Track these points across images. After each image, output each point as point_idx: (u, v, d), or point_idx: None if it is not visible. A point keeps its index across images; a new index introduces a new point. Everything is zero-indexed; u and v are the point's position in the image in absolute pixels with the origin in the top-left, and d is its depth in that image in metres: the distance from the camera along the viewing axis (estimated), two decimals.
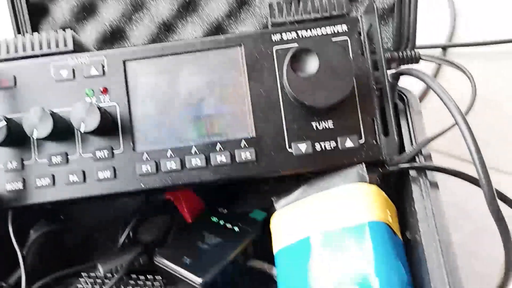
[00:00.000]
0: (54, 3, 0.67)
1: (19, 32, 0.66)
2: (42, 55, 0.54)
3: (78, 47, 0.55)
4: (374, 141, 0.51)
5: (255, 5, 0.64)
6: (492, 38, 0.92)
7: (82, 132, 0.50)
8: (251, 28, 0.65)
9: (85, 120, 0.49)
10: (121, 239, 0.63)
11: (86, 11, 0.67)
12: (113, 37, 0.68)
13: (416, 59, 0.58)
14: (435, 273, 0.43)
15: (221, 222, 0.60)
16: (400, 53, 0.57)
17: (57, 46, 0.54)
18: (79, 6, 0.66)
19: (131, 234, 0.64)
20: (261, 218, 0.60)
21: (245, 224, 0.59)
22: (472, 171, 0.46)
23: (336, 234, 0.48)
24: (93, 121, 0.49)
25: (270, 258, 0.57)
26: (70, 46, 0.54)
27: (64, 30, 0.55)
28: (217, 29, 0.65)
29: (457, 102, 0.47)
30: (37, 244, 0.61)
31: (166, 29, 0.66)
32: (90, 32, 0.67)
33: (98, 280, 0.55)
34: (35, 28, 0.67)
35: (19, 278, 0.59)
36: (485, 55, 0.92)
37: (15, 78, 0.54)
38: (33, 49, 0.54)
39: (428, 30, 0.89)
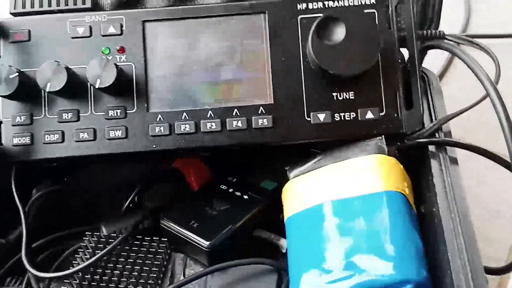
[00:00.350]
0: None
1: None
2: (59, 11, 0.53)
3: (95, 6, 0.54)
4: (395, 114, 0.50)
5: None
6: (506, 31, 0.92)
7: (97, 87, 0.48)
8: None
9: (101, 76, 0.48)
10: (126, 203, 0.61)
11: None
12: (129, 2, 0.66)
13: (440, 38, 0.57)
14: (453, 242, 0.42)
15: (230, 190, 0.59)
16: (424, 31, 0.56)
17: (74, 3, 0.53)
18: None
19: (136, 200, 0.63)
20: (271, 188, 0.59)
21: (254, 192, 0.58)
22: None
23: (351, 202, 0.47)
24: (109, 77, 0.48)
25: (277, 229, 0.57)
26: (88, 4, 0.53)
27: None
28: None
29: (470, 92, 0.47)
30: (39, 203, 0.60)
31: None
32: None
33: (102, 239, 0.53)
34: None
35: (19, 236, 0.58)
36: (499, 47, 0.92)
37: (29, 32, 0.52)
38: (49, 4, 0.53)
39: (443, 20, 0.88)
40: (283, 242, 0.56)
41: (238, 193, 0.58)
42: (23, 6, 0.53)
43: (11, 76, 0.48)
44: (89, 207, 0.65)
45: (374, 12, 0.51)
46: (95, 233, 0.55)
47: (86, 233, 0.54)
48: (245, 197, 0.57)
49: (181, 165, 0.64)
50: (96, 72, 0.48)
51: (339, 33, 0.48)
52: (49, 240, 0.58)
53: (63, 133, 0.51)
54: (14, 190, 0.54)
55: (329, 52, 0.48)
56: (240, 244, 0.54)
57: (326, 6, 0.52)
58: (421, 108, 0.46)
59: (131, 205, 0.62)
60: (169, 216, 0.55)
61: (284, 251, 0.56)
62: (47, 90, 0.48)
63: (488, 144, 0.48)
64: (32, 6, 0.53)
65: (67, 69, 0.49)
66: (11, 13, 0.54)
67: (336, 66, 0.48)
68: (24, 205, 0.55)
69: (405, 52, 0.53)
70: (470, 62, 0.44)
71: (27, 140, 0.51)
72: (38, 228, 0.58)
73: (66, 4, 0.53)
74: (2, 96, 0.49)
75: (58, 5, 0.53)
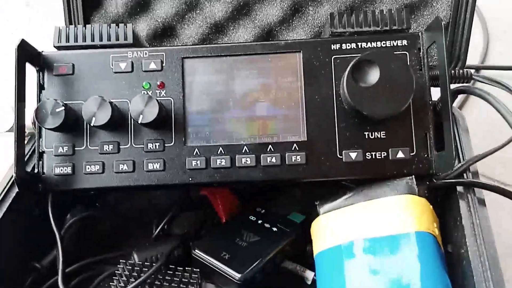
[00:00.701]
0: None
1: (70, 22, 0.67)
2: (102, 46, 0.55)
3: (137, 42, 0.56)
4: (425, 155, 0.52)
5: (309, 14, 0.65)
6: None
7: (139, 123, 0.50)
8: (302, 36, 0.65)
9: (143, 112, 0.50)
10: (156, 231, 0.63)
11: (140, 7, 0.68)
12: (164, 34, 0.68)
13: (468, 78, 0.58)
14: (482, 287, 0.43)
15: (259, 221, 0.60)
16: (453, 71, 0.58)
17: (117, 39, 0.55)
18: (134, 1, 0.67)
19: (165, 226, 0.64)
20: (300, 221, 0.60)
21: (283, 225, 0.60)
22: None
23: (381, 241, 0.48)
24: (151, 114, 0.50)
25: (303, 260, 0.58)
26: (130, 40, 0.55)
27: (124, 24, 0.56)
28: (267, 34, 0.66)
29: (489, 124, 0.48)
30: (73, 229, 0.62)
31: (217, 30, 0.67)
32: (141, 27, 0.68)
33: (136, 268, 0.55)
34: (87, 20, 0.68)
35: (53, 260, 0.60)
36: None
37: (73, 66, 0.54)
38: (92, 39, 0.55)
39: None
40: (308, 274, 0.57)
41: (267, 225, 0.59)
42: (67, 40, 0.55)
43: (57, 110, 0.50)
44: (119, 231, 0.66)
45: (406, 54, 0.53)
46: (128, 261, 0.56)
47: (120, 260, 0.56)
48: (274, 229, 0.59)
49: (209, 193, 0.65)
50: (139, 108, 0.50)
51: (373, 75, 0.50)
52: (82, 265, 0.59)
53: (103, 164, 0.53)
54: (51, 217, 0.56)
55: (364, 94, 0.49)
56: (269, 275, 0.55)
57: (360, 47, 0.54)
58: (454, 153, 0.48)
59: (160, 232, 0.63)
60: (200, 246, 0.56)
61: (309, 283, 0.57)
62: (92, 125, 0.50)
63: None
64: (76, 40, 0.55)
65: (111, 104, 0.51)
66: (55, 46, 0.56)
67: (370, 108, 0.49)
68: (59, 230, 0.57)
69: (433, 89, 0.54)
70: (502, 109, 0.46)
71: (68, 170, 0.53)
72: (72, 252, 0.59)
73: (109, 40, 0.55)
74: (48, 129, 0.51)
75: (101, 40, 0.55)
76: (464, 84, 0.54)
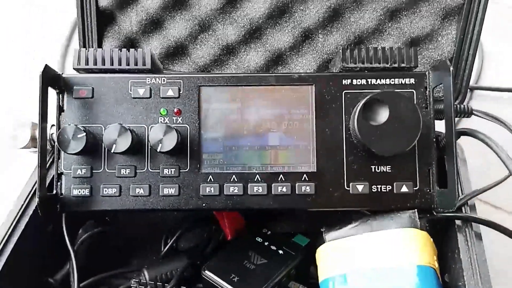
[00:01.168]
0: (123, 13, 0.69)
1: (83, 35, 0.69)
2: (120, 71, 0.57)
3: (154, 66, 0.58)
4: (428, 190, 0.55)
5: (318, 41, 0.67)
6: None
7: (158, 151, 0.52)
8: (311, 62, 0.67)
9: (162, 141, 0.52)
10: (165, 249, 0.65)
11: (153, 26, 0.69)
12: (175, 53, 0.70)
13: (468, 113, 0.61)
14: None
15: (266, 243, 0.63)
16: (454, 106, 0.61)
17: (135, 63, 0.57)
18: (148, 20, 0.68)
19: (170, 241, 0.67)
20: (304, 244, 0.63)
21: (289, 247, 0.62)
22: None
23: (384, 273, 0.51)
24: (170, 143, 0.52)
25: (306, 280, 0.61)
26: (148, 65, 0.57)
27: (142, 49, 0.57)
28: (277, 58, 0.68)
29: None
30: (85, 244, 0.64)
31: (228, 52, 0.69)
32: (154, 46, 0.69)
33: None
34: (100, 34, 0.69)
35: (65, 275, 0.62)
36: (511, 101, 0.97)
37: (93, 90, 0.56)
38: (112, 63, 0.57)
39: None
40: None
41: (273, 247, 0.62)
42: (86, 63, 0.57)
43: (79, 136, 0.52)
44: (128, 245, 0.69)
45: (413, 92, 0.56)
46: (140, 278, 0.59)
47: (132, 280, 0.58)
48: (280, 252, 0.61)
49: (216, 212, 0.68)
50: (158, 137, 0.52)
51: (383, 114, 0.52)
52: (95, 280, 0.61)
53: (120, 187, 0.55)
54: (65, 234, 0.58)
55: (373, 132, 0.52)
56: None
57: (369, 83, 0.56)
58: (456, 193, 0.51)
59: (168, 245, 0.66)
60: (211, 267, 0.59)
61: None
62: (112, 151, 0.52)
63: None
64: (95, 63, 0.57)
65: (131, 132, 0.52)
66: (74, 68, 0.57)
67: (379, 146, 0.52)
68: (72, 247, 0.59)
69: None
70: (505, 158, 0.49)
71: (86, 192, 0.55)
72: (83, 267, 0.61)
73: (127, 64, 0.57)
74: (70, 154, 0.53)
75: (119, 64, 0.57)
76: (468, 128, 0.57)
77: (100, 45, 0.69)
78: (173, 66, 0.70)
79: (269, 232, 0.65)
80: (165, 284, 0.57)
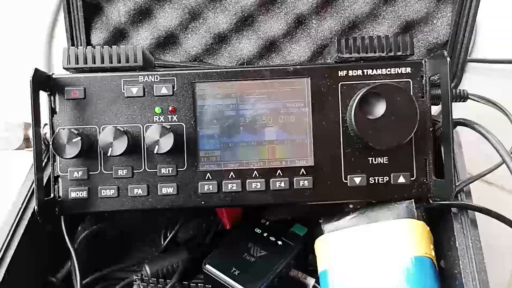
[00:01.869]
0: (111, 4, 0.67)
1: (70, 26, 0.67)
2: (112, 69, 0.55)
3: (146, 62, 0.56)
4: (425, 180, 0.55)
5: (312, 27, 0.66)
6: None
7: (155, 153, 0.52)
8: (305, 48, 0.66)
9: (159, 142, 0.52)
10: (165, 243, 0.66)
11: (142, 15, 0.67)
12: (166, 43, 0.68)
13: (464, 98, 0.61)
14: None
15: (265, 234, 0.64)
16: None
17: (127, 61, 0.55)
18: (136, 10, 0.66)
19: (169, 234, 0.67)
20: (303, 234, 0.64)
21: (287, 238, 0.63)
22: None
23: (381, 264, 0.52)
24: (167, 145, 0.52)
25: (305, 267, 0.63)
26: (140, 62, 0.55)
27: (133, 46, 0.56)
28: (270, 45, 0.67)
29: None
30: (85, 241, 0.64)
31: (220, 41, 0.67)
32: (144, 36, 0.68)
33: (152, 284, 0.58)
34: (88, 26, 0.67)
35: (67, 273, 0.63)
36: (504, 73, 0.96)
37: (85, 90, 0.55)
38: (102, 61, 0.55)
39: None
40: (309, 281, 0.62)
41: (272, 238, 0.63)
42: (76, 62, 0.55)
43: (74, 140, 0.51)
44: (127, 239, 0.69)
45: (409, 82, 0.55)
46: (141, 274, 0.60)
47: (134, 276, 0.59)
48: (280, 242, 0.62)
49: None
50: (154, 138, 0.52)
51: (380, 108, 0.52)
52: (97, 277, 0.62)
53: (118, 188, 0.55)
54: (65, 234, 0.58)
55: (370, 125, 0.52)
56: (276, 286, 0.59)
57: (366, 74, 0.55)
58: (453, 185, 0.51)
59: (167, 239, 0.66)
60: (211, 262, 0.59)
61: None
62: (108, 155, 0.52)
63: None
64: (85, 62, 0.55)
65: (127, 133, 0.52)
66: (64, 68, 0.56)
67: (376, 139, 0.52)
68: (73, 245, 0.59)
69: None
70: (498, 147, 0.49)
71: (84, 194, 0.55)
72: (83, 264, 0.62)
73: (119, 62, 0.55)
74: (67, 159, 0.52)
75: (110, 62, 0.55)
76: (465, 119, 0.57)
77: (88, 37, 0.67)
78: (165, 56, 0.69)
79: (268, 222, 0.65)
80: (167, 281, 0.58)
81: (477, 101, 0.62)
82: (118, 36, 0.69)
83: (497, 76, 0.98)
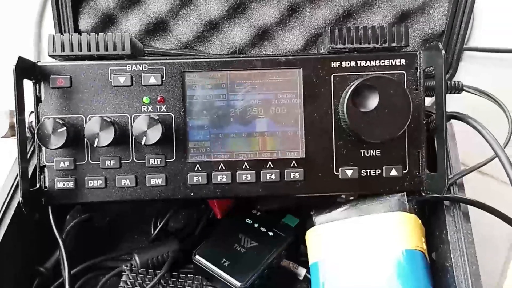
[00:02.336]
0: None
1: (58, 11, 0.65)
2: (99, 57, 0.54)
3: (135, 50, 0.55)
4: (417, 173, 0.54)
5: (306, 15, 0.64)
6: (508, 46, 0.94)
7: (143, 144, 0.51)
8: (298, 37, 0.65)
9: (147, 133, 0.50)
10: (155, 232, 0.65)
11: (132, 0, 0.65)
12: (156, 30, 0.67)
13: (459, 90, 0.60)
14: None
15: (256, 225, 0.63)
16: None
17: (114, 49, 0.54)
18: None
19: (160, 223, 0.67)
20: (294, 225, 0.64)
21: (279, 229, 0.63)
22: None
23: (372, 258, 0.52)
24: (155, 136, 0.51)
25: (296, 258, 0.62)
26: (128, 50, 0.54)
27: (120, 33, 0.54)
28: (263, 33, 0.65)
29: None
30: (74, 230, 0.63)
31: (211, 28, 0.66)
32: (133, 22, 0.66)
33: (141, 275, 0.57)
34: (75, 11, 0.66)
35: (55, 264, 0.62)
36: (500, 62, 0.95)
37: (71, 78, 0.53)
38: (89, 49, 0.54)
39: None
40: (301, 271, 0.62)
41: (263, 229, 0.62)
42: (62, 49, 0.54)
43: (59, 130, 0.50)
44: (116, 228, 0.68)
45: (403, 74, 0.54)
46: (131, 264, 0.59)
47: (124, 267, 0.58)
48: (270, 233, 0.62)
49: None
50: (142, 129, 0.50)
51: (373, 100, 0.51)
52: (86, 266, 0.61)
53: (105, 178, 0.54)
54: (53, 224, 0.58)
55: (363, 118, 0.51)
56: (267, 277, 0.59)
57: (359, 65, 0.54)
58: (446, 179, 0.50)
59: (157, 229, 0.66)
60: (201, 253, 0.59)
61: (301, 278, 0.62)
62: (94, 146, 0.50)
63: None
64: (71, 49, 0.54)
65: (113, 124, 0.51)
66: (49, 55, 0.54)
67: (369, 132, 0.51)
68: (61, 235, 0.59)
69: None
70: (492, 141, 0.49)
71: (71, 184, 0.54)
72: (72, 254, 0.61)
73: (106, 50, 0.54)
74: (52, 149, 0.51)
75: (97, 50, 0.54)
76: (459, 112, 0.56)
77: (76, 23, 0.66)
78: (155, 43, 0.67)
79: (259, 213, 0.65)
80: (156, 271, 0.57)
81: (472, 93, 0.61)
82: (107, 21, 0.67)
83: (492, 65, 0.97)
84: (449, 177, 0.56)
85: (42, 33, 0.80)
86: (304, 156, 0.54)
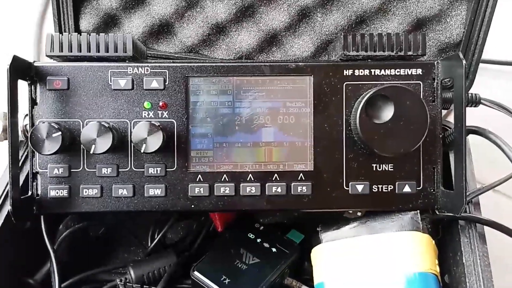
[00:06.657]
0: None
1: (58, 10, 0.62)
2: (99, 58, 0.51)
3: (137, 52, 0.52)
4: (432, 190, 0.51)
5: (317, 21, 0.61)
6: None
7: (142, 152, 0.48)
8: (308, 43, 0.62)
9: (146, 141, 0.48)
10: (152, 245, 0.62)
11: (135, 1, 0.63)
12: (160, 32, 0.64)
13: (476, 103, 0.57)
14: None
15: (258, 240, 0.60)
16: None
17: (115, 50, 0.51)
18: None
19: (156, 233, 0.64)
20: (299, 241, 0.60)
21: (282, 245, 0.59)
22: None
23: (383, 280, 0.48)
24: (155, 144, 0.48)
25: (300, 275, 0.59)
26: (130, 52, 0.51)
27: (122, 34, 0.52)
28: (271, 38, 0.63)
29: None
30: (67, 241, 0.60)
31: (218, 32, 0.63)
32: (136, 23, 0.63)
33: None
34: (76, 11, 0.63)
35: (46, 275, 0.59)
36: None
37: (68, 80, 0.51)
38: (89, 50, 0.51)
39: None
40: None
41: (266, 245, 0.59)
42: (60, 49, 0.51)
43: (54, 135, 0.47)
44: (112, 239, 0.65)
45: (420, 84, 0.51)
46: (125, 277, 0.56)
47: (118, 282, 0.55)
48: (274, 250, 0.58)
49: None
50: (141, 136, 0.48)
51: (387, 111, 0.48)
52: (78, 279, 0.58)
53: (101, 187, 0.51)
54: (45, 234, 0.55)
55: (376, 130, 0.48)
56: None
57: (373, 74, 0.51)
58: (464, 198, 0.47)
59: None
60: (200, 269, 0.56)
61: None
62: (91, 152, 0.47)
63: None
64: (70, 50, 0.51)
65: (112, 130, 0.48)
66: (47, 55, 0.51)
67: (382, 146, 0.48)
68: (52, 246, 0.56)
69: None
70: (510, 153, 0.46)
71: (64, 193, 0.51)
72: (64, 265, 0.58)
73: (107, 51, 0.51)
74: (46, 155, 0.48)
75: (98, 51, 0.51)
76: (479, 127, 0.53)
77: (77, 23, 0.63)
78: (158, 46, 0.65)
79: (262, 227, 0.61)
80: (151, 287, 0.54)
81: (490, 106, 0.58)
82: (109, 22, 0.64)
83: (505, 78, 0.94)
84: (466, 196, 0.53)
85: (43, 33, 0.78)
86: (312, 169, 0.51)
